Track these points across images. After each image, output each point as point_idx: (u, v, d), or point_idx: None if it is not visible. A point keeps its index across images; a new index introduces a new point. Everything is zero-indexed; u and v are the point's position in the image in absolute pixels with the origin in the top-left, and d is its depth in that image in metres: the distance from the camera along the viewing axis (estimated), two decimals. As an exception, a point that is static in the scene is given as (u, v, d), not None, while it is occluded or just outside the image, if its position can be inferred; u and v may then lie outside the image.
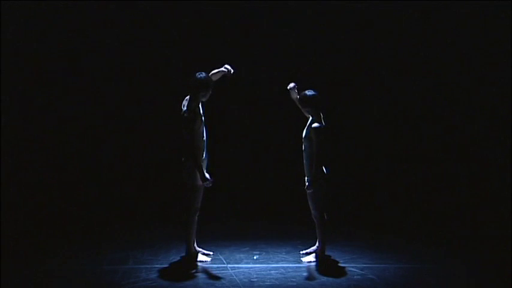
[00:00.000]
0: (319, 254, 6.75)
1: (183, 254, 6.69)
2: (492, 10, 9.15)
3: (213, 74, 6.71)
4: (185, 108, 6.46)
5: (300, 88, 6.80)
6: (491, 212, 8.69)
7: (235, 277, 6.15)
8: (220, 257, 6.88)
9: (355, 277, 6.20)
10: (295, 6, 9.44)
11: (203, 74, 6.52)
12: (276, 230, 8.22)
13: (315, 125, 6.57)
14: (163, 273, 6.29)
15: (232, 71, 6.75)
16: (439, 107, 9.54)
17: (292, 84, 6.90)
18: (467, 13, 9.24)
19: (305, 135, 6.66)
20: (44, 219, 8.48)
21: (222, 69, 6.74)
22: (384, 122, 9.62)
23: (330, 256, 6.84)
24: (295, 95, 6.91)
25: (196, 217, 6.55)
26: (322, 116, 6.68)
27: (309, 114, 6.71)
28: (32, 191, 8.98)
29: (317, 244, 6.80)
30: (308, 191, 6.59)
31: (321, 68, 9.45)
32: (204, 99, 6.55)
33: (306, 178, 6.66)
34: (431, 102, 9.56)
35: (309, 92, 6.70)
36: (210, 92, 6.53)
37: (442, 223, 8.54)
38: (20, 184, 8.96)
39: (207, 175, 6.40)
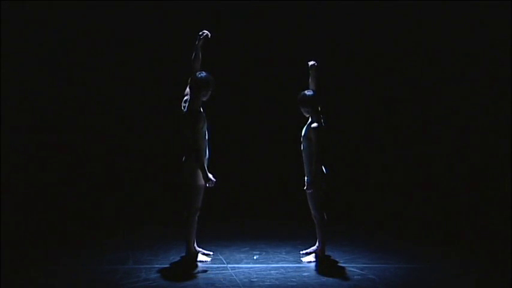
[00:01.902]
0: (319, 254, 6.75)
1: (183, 254, 6.69)
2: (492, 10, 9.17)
3: (195, 58, 6.60)
4: (186, 109, 6.45)
5: (301, 88, 6.79)
6: (491, 212, 8.69)
7: (235, 277, 6.15)
8: (220, 257, 6.88)
9: (355, 277, 6.20)
10: (295, 6, 9.45)
11: (203, 74, 6.49)
12: (276, 230, 8.22)
13: (314, 125, 6.56)
14: (163, 273, 6.28)
15: (208, 33, 6.64)
16: (437, 106, 9.55)
17: (312, 62, 6.83)
18: (467, 13, 9.27)
19: (304, 135, 6.65)
20: (44, 219, 8.48)
21: (199, 39, 6.61)
22: (383, 121, 9.63)
23: (330, 256, 6.84)
24: (313, 76, 6.82)
25: (197, 217, 6.54)
26: (321, 115, 6.67)
27: (308, 114, 6.70)
28: (32, 191, 8.98)
29: (317, 244, 6.80)
30: (308, 191, 6.59)
31: (321, 67, 9.46)
32: (205, 99, 6.53)
33: (305, 178, 6.66)
34: (430, 101, 9.56)
35: (308, 92, 6.69)
36: (211, 91, 6.52)
37: (442, 223, 8.55)
38: (20, 184, 8.96)
39: (210, 175, 6.39)
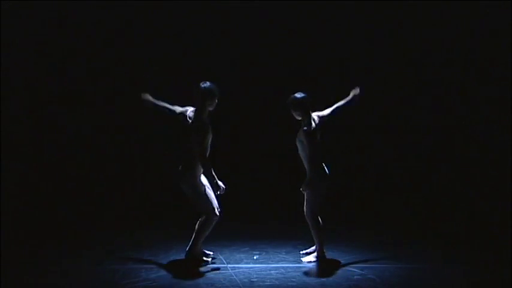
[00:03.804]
0: (318, 254, 6.74)
1: (183, 254, 6.68)
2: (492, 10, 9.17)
3: (163, 108, 6.69)
4: (193, 119, 6.42)
5: (293, 90, 6.77)
6: (491, 212, 8.69)
7: (235, 277, 6.15)
8: (220, 257, 6.88)
9: (355, 277, 6.20)
10: (294, 6, 9.46)
11: (207, 83, 6.47)
12: (276, 230, 8.22)
13: (305, 128, 6.56)
14: (163, 273, 6.28)
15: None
16: (437, 106, 9.54)
17: (357, 89, 6.92)
18: (467, 13, 9.27)
19: (298, 138, 6.64)
20: (44, 220, 8.48)
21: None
22: (383, 120, 9.61)
23: (330, 256, 6.83)
24: (350, 99, 6.90)
25: (215, 220, 6.54)
26: (312, 117, 6.65)
27: (300, 117, 6.67)
28: (32, 191, 8.98)
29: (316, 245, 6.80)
30: (303, 192, 6.58)
31: (321, 68, 9.48)
32: (211, 108, 6.52)
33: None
34: (429, 100, 9.56)
35: (298, 95, 6.66)
36: (216, 101, 6.50)
37: (442, 223, 8.55)
38: (19, 184, 8.96)
39: (219, 182, 6.42)
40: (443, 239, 7.83)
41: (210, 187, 6.55)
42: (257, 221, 8.66)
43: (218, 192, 6.44)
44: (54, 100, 9.28)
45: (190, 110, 6.54)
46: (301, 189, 6.58)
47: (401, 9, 9.35)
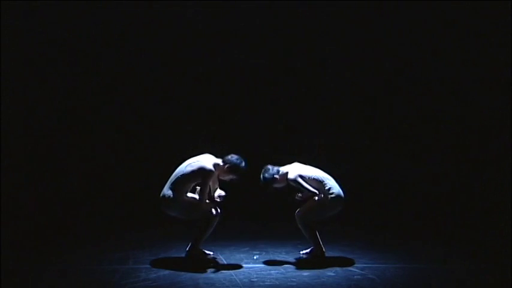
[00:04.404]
0: (318, 254, 6.74)
1: (184, 254, 6.68)
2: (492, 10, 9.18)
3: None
4: (207, 165, 6.50)
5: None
6: (491, 212, 8.70)
7: (235, 277, 6.15)
8: (220, 257, 6.88)
9: (355, 277, 6.20)
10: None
11: (241, 162, 6.57)
12: (276, 230, 8.22)
13: (289, 177, 6.63)
14: (163, 273, 6.28)
15: None
16: (438, 106, 9.55)
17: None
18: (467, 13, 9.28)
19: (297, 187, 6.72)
20: (44, 219, 8.48)
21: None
22: (383, 119, 9.62)
23: (330, 256, 6.83)
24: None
25: (216, 222, 6.62)
26: (291, 168, 6.70)
27: (281, 183, 6.70)
28: (31, 191, 8.98)
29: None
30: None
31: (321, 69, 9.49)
32: (221, 177, 6.63)
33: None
34: (429, 100, 9.56)
35: (266, 173, 6.68)
36: (232, 178, 6.60)
37: (443, 223, 8.55)
38: (19, 184, 8.96)
39: (220, 192, 6.66)
40: (443, 238, 7.84)
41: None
42: (257, 221, 8.66)
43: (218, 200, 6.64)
44: (53, 100, 9.29)
45: (215, 162, 6.60)
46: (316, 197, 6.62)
47: (399, 9, 9.39)
